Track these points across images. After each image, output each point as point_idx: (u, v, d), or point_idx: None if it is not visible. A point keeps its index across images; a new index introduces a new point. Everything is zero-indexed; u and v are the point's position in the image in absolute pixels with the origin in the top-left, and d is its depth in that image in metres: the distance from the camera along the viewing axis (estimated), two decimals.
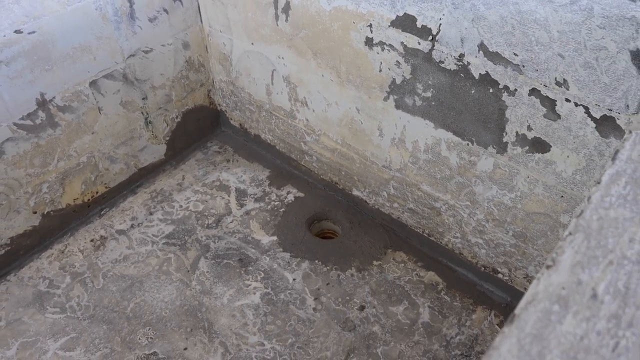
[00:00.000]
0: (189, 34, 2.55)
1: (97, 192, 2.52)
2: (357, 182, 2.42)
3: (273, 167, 2.73)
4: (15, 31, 1.97)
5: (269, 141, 2.73)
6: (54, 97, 2.17)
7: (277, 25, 2.22)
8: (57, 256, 2.37)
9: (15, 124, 2.10)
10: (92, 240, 2.43)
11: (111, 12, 2.21)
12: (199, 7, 2.52)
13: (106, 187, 2.55)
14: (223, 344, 2.03)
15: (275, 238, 2.39)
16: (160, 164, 2.73)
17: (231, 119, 2.88)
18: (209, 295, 2.19)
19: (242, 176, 2.69)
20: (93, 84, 2.27)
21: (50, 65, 2.11)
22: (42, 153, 2.23)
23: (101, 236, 2.45)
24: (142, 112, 2.52)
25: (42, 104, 2.15)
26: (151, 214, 2.53)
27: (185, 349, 2.02)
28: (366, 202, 2.44)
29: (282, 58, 2.31)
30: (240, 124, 2.84)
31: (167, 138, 2.71)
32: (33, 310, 2.18)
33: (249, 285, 2.21)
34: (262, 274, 2.25)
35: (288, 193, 2.59)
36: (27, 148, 2.17)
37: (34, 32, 2.01)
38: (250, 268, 2.28)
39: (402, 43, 1.86)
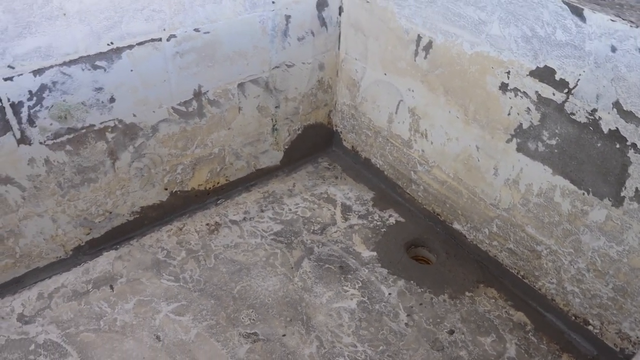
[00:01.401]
0: (326, 57, 2.81)
1: (218, 183, 2.77)
2: (460, 215, 2.56)
3: (378, 190, 2.91)
4: (195, 29, 2.26)
5: (378, 166, 2.92)
6: (207, 91, 2.45)
7: (415, 60, 2.44)
8: (176, 232, 2.61)
9: (173, 107, 2.38)
10: (207, 224, 2.66)
11: (270, 27, 2.49)
12: (340, 35, 2.78)
13: (226, 180, 2.80)
14: (318, 338, 2.18)
15: (374, 254, 2.54)
16: (275, 169, 2.97)
17: (344, 140, 3.10)
18: (309, 293, 2.35)
19: (348, 193, 2.88)
20: (240, 85, 2.55)
21: (212, 63, 2.39)
22: (186, 138, 2.50)
23: (216, 222, 2.68)
24: (272, 119, 2.77)
25: (198, 95, 2.43)
26: (262, 211, 2.75)
27: (284, 335, 2.19)
28: (465, 236, 2.57)
29: (412, 91, 2.52)
30: (352, 146, 3.05)
31: (286, 147, 2.95)
32: (150, 274, 2.41)
33: (347, 291, 2.37)
34: (360, 283, 2.41)
35: (390, 216, 2.75)
36: (175, 130, 2.45)
37: (208, 32, 2.30)
38: (350, 276, 2.43)
39: (536, 92, 2.02)
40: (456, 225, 2.60)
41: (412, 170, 2.71)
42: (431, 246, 2.63)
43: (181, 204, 2.68)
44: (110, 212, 2.46)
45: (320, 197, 2.85)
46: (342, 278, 2.43)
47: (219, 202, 2.79)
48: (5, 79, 1.92)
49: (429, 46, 2.35)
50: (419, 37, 2.37)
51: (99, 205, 2.41)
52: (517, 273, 2.40)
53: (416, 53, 2.42)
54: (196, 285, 2.37)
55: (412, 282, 2.42)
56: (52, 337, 2.16)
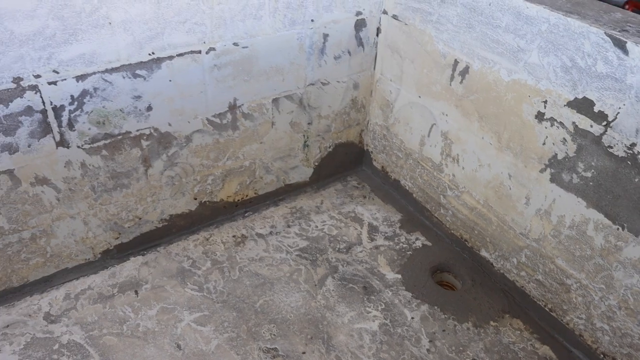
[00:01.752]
0: (361, 76, 2.82)
1: (246, 195, 2.79)
2: (488, 243, 2.52)
3: (406, 212, 2.89)
4: (234, 43, 2.30)
5: (407, 188, 2.90)
6: (242, 105, 2.48)
7: (450, 85, 2.43)
8: (202, 242, 2.63)
9: (207, 119, 2.42)
10: (234, 236, 2.68)
11: (307, 45, 2.52)
12: (376, 55, 2.80)
13: (255, 193, 2.81)
14: (338, 358, 2.16)
15: (399, 276, 2.52)
16: (303, 185, 2.98)
17: (374, 160, 3.09)
18: (331, 311, 2.34)
19: (375, 213, 2.87)
20: (275, 101, 2.57)
21: (249, 77, 2.42)
22: (218, 149, 2.53)
23: (242, 234, 2.69)
24: (304, 135, 2.79)
25: (233, 108, 2.46)
26: (289, 226, 2.75)
27: (304, 353, 2.17)
28: (492, 264, 2.53)
29: (446, 115, 2.51)
30: (382, 167, 3.05)
31: (316, 164, 2.96)
32: (175, 282, 2.43)
33: (370, 312, 2.35)
34: (383, 305, 2.38)
35: (416, 239, 2.73)
36: (209, 142, 2.48)
37: (246, 47, 2.34)
38: (373, 297, 2.42)
39: (573, 123, 1.99)
40: (483, 253, 2.57)
41: (442, 195, 2.69)
42: (457, 272, 2.60)
43: (209, 214, 2.71)
44: (140, 218, 2.49)
45: (347, 216, 2.85)
46: (365, 299, 2.41)
47: (246, 214, 2.80)
48: (50, 83, 1.97)
49: (465, 71, 2.34)
50: (456, 62, 2.37)
51: (130, 211, 2.44)
52: (545, 305, 2.35)
53: (452, 77, 2.41)
54: (219, 297, 2.37)
55: (436, 307, 2.39)
56: (76, 338, 2.19)
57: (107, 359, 2.12)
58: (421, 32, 2.50)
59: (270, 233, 2.71)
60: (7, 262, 2.26)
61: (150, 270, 2.48)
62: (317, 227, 2.77)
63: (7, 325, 2.23)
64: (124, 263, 2.51)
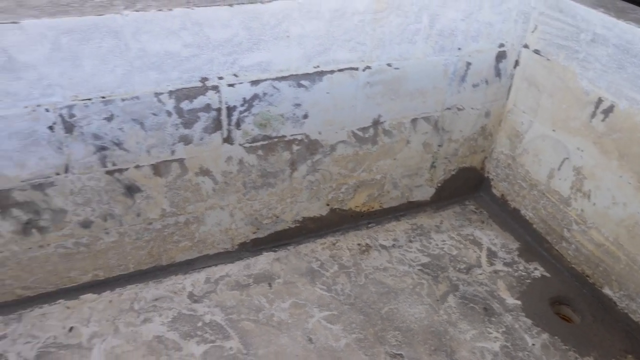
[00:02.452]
0: (494, 105, 2.91)
1: (372, 207, 2.93)
2: (612, 281, 2.54)
3: (524, 241, 2.94)
4: (387, 64, 2.46)
5: (527, 217, 2.96)
6: (385, 121, 2.63)
7: (590, 122, 2.49)
8: (329, 246, 2.79)
9: (352, 131, 2.58)
10: (359, 244, 2.82)
11: (451, 71, 2.65)
12: (510, 86, 2.89)
13: (380, 206, 2.95)
14: None
15: (519, 302, 2.58)
16: (424, 204, 3.09)
17: (494, 188, 3.17)
18: (453, 327, 2.42)
19: (493, 239, 2.94)
20: (413, 121, 2.71)
21: (395, 97, 2.58)
22: (356, 161, 2.69)
23: (366, 244, 2.83)
24: (432, 156, 2.91)
25: (376, 123, 2.61)
26: (410, 241, 2.87)
27: None
28: (615, 303, 2.54)
29: (581, 150, 2.56)
30: (502, 195, 3.12)
31: (439, 185, 3.07)
32: (305, 280, 2.58)
33: (491, 333, 2.42)
34: (504, 328, 2.45)
35: (535, 269, 2.78)
36: (349, 152, 2.64)
37: (398, 68, 2.49)
38: (494, 319, 2.48)
39: None
40: (606, 290, 2.58)
41: (566, 228, 2.73)
42: (576, 306, 2.62)
43: (337, 221, 2.86)
44: (277, 217, 2.68)
45: (466, 238, 2.93)
46: (486, 319, 2.48)
47: (369, 225, 2.94)
48: (229, 85, 2.19)
49: (609, 110, 2.39)
50: (600, 100, 2.43)
51: (270, 209, 2.63)
52: None
53: (593, 115, 2.47)
54: (347, 299, 2.51)
55: (556, 337, 2.43)
56: (217, 319, 2.38)
57: (246, 341, 2.29)
58: (564, 69, 2.57)
59: (393, 246, 2.83)
60: (162, 242, 2.49)
61: (282, 266, 2.65)
62: (437, 245, 2.86)
63: (156, 299, 2.46)
64: (257, 257, 2.70)
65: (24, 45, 1.83)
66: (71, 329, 2.32)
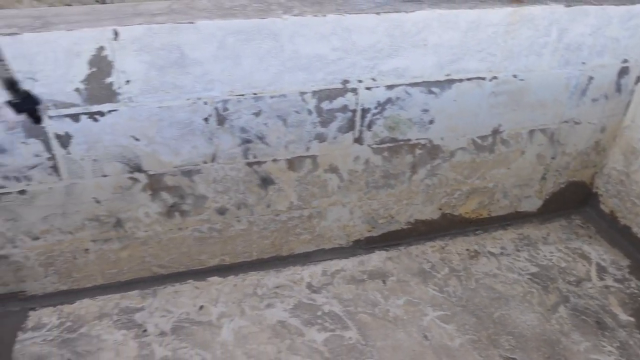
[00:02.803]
0: (610, 120, 2.92)
1: (481, 215, 2.98)
2: None
3: (635, 259, 2.93)
4: (513, 75, 2.53)
5: (639, 235, 2.94)
6: (503, 131, 2.69)
7: None
8: (439, 249, 2.87)
9: (472, 139, 2.65)
10: (467, 250, 2.88)
11: (573, 84, 2.68)
12: (629, 102, 2.89)
13: (488, 214, 3.01)
14: None
15: (632, 319, 2.57)
16: (530, 215, 3.12)
17: (602, 204, 3.16)
18: (566, 337, 2.45)
19: (602, 255, 2.94)
20: (531, 132, 2.76)
21: (516, 107, 2.63)
22: (472, 168, 2.76)
23: (475, 250, 2.89)
24: (544, 168, 2.94)
25: (495, 132, 2.68)
26: (518, 251, 2.91)
27: None
28: None
29: None
30: (611, 211, 3.11)
31: (547, 197, 3.09)
32: (418, 280, 2.67)
33: (605, 347, 2.43)
34: (618, 343, 2.45)
35: None
36: (467, 159, 2.72)
37: (522, 79, 2.55)
38: (607, 333, 2.49)
39: None
40: None
41: None
42: None
43: (446, 225, 2.94)
44: (392, 217, 2.78)
45: (574, 252, 2.94)
46: (598, 333, 2.49)
47: (477, 232, 3.00)
48: (367, 88, 2.32)
49: None
50: None
51: (387, 209, 2.74)
52: None
53: None
54: (459, 301, 2.58)
55: None
56: (335, 309, 2.50)
57: (364, 333, 2.40)
58: None
59: (501, 254, 2.88)
60: (285, 233, 2.64)
61: (394, 265, 2.75)
62: (545, 256, 2.89)
63: (277, 287, 2.60)
64: (370, 254, 2.81)
65: (196, 43, 2.01)
66: (201, 307, 2.49)
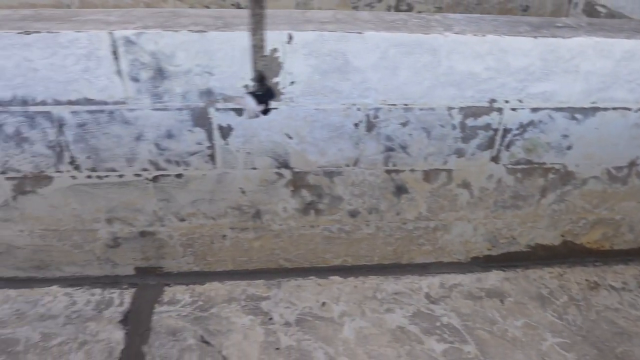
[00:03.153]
0: None
1: (602, 246, 2.94)
2: None
3: None
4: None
5: None
6: None
7: None
8: (557, 276, 2.85)
9: (607, 169, 2.63)
10: (587, 280, 2.85)
11: None
12: None
13: (610, 247, 2.95)
14: None
15: None
16: None
17: None
18: None
19: None
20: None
21: None
22: (601, 198, 2.72)
23: (595, 281, 2.85)
24: None
25: (631, 165, 2.64)
26: None
27: None
28: None
29: None
30: None
31: None
32: (536, 304, 2.66)
33: None
34: None
35: None
36: (598, 189, 2.69)
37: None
38: None
39: None
40: None
41: None
42: None
43: (566, 253, 2.91)
44: (514, 238, 2.79)
45: None
46: None
47: (596, 263, 2.96)
48: (512, 109, 2.35)
49: None
50: None
51: (510, 230, 2.75)
52: None
53: None
54: (579, 331, 2.55)
55: None
56: (453, 322, 2.53)
57: (482, 349, 2.42)
58: None
59: (623, 289, 2.82)
60: (408, 242, 2.71)
61: (512, 286, 2.76)
62: None
63: (396, 293, 2.67)
64: (487, 273, 2.83)
65: (360, 52, 2.12)
66: (324, 303, 2.59)
